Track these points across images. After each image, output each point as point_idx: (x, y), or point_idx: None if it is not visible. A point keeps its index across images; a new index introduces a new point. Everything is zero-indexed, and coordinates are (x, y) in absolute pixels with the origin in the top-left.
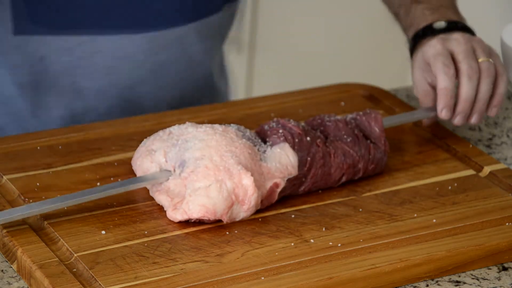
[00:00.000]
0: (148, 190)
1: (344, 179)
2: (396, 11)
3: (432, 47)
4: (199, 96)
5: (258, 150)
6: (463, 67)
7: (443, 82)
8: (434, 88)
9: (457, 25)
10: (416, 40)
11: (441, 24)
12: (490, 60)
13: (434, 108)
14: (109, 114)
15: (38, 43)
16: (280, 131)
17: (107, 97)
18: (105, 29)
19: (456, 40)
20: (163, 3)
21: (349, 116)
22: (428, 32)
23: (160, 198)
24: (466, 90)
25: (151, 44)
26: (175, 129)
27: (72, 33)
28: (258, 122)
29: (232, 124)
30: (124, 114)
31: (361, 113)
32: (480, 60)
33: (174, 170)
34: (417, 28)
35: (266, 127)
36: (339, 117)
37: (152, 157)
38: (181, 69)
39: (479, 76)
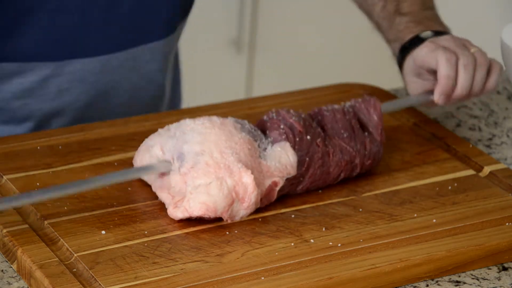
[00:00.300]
0: (148, 190)
1: (342, 175)
2: (378, 22)
3: (424, 47)
4: (153, 109)
5: (258, 146)
6: (460, 57)
7: (445, 69)
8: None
9: (443, 34)
10: (404, 53)
11: (427, 33)
12: (482, 50)
13: (431, 92)
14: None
15: None
16: (282, 126)
17: (58, 119)
18: (55, 57)
19: (446, 40)
20: (116, 27)
21: (348, 104)
22: (416, 41)
23: (162, 195)
24: (463, 79)
25: (104, 66)
26: (173, 125)
27: (22, 60)
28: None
29: (229, 117)
30: (45, 125)
31: (360, 100)
32: (472, 50)
33: (173, 162)
34: (403, 40)
35: (265, 117)
36: (336, 106)
37: (150, 153)
38: (133, 88)
39: (474, 65)
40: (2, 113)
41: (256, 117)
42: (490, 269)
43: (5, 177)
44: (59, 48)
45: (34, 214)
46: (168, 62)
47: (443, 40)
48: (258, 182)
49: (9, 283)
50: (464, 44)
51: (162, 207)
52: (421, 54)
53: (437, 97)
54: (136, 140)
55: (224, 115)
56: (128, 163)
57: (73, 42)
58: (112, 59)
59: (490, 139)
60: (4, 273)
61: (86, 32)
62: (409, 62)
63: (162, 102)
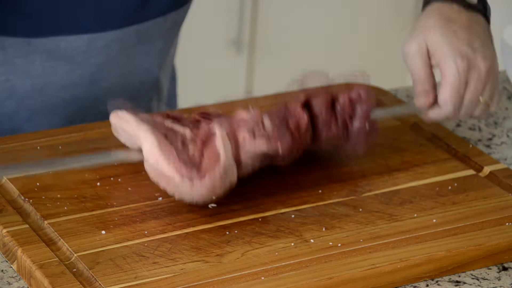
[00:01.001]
0: (148, 190)
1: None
2: None
3: (439, 29)
4: (145, 99)
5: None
6: (470, 80)
7: (453, 77)
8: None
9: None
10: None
11: None
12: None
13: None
14: (45, 112)
15: None
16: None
17: (42, 97)
18: (40, 32)
19: (463, 29)
20: (103, 5)
21: (339, 103)
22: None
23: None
24: (466, 108)
25: (90, 45)
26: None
27: (4, 35)
28: None
29: None
30: (63, 113)
31: (352, 96)
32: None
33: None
34: None
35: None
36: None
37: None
38: (121, 72)
39: (482, 90)
40: None
41: None
42: (490, 269)
43: (5, 177)
44: (42, 24)
45: (34, 214)
46: (160, 52)
47: (461, 30)
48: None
49: (9, 283)
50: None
51: (162, 207)
52: (434, 40)
53: (430, 116)
54: None
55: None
56: (128, 163)
57: (64, 18)
58: (98, 38)
59: (490, 139)
60: (4, 273)
61: (72, 7)
62: (434, 11)
63: (154, 95)
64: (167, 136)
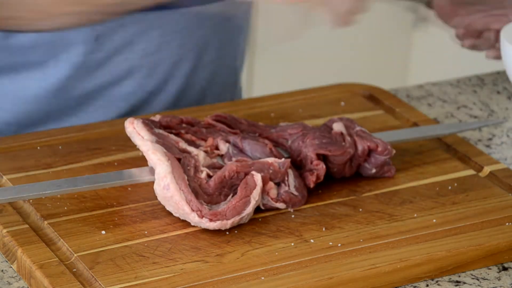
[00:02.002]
0: (148, 190)
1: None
2: None
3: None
4: (233, 78)
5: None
6: None
7: None
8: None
9: None
10: None
11: None
12: None
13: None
14: (157, 93)
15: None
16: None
17: (156, 75)
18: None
19: None
20: None
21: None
22: None
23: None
24: None
25: (198, 16)
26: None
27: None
28: (258, 122)
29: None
30: (170, 91)
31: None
32: None
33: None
34: None
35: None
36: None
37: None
38: (220, 46)
39: None
40: (105, 69)
41: (256, 117)
42: (490, 269)
43: (5, 177)
44: None
45: (34, 214)
46: (243, 33)
47: None
48: None
49: (9, 283)
50: None
51: (162, 207)
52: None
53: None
54: None
55: None
56: (128, 163)
57: None
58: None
59: (490, 139)
60: (4, 273)
61: None
62: None
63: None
64: (180, 160)
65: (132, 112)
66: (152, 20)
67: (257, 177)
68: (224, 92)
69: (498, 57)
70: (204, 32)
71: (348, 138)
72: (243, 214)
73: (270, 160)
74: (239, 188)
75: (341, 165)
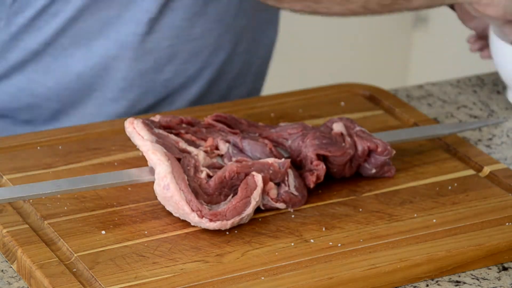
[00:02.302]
0: (148, 190)
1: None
2: None
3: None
4: (263, 68)
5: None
6: None
7: None
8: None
9: None
10: None
11: None
12: None
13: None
14: (195, 79)
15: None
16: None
17: (196, 61)
18: None
19: None
20: None
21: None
22: None
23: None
24: None
25: (239, 7)
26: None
27: None
28: (258, 122)
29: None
30: (207, 78)
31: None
32: None
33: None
34: None
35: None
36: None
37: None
38: (255, 37)
39: None
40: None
41: (256, 117)
42: (490, 269)
43: (5, 177)
44: None
45: (34, 214)
46: (278, 23)
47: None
48: None
49: (9, 283)
50: None
51: (162, 207)
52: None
53: None
54: None
55: None
56: (128, 163)
57: None
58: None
59: (490, 139)
60: (4, 273)
61: None
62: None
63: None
64: (180, 160)
65: (168, 97)
66: (200, 6)
67: (258, 177)
68: (253, 82)
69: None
70: (241, 23)
71: (348, 139)
72: (243, 215)
73: (270, 160)
74: (239, 189)
75: (341, 165)
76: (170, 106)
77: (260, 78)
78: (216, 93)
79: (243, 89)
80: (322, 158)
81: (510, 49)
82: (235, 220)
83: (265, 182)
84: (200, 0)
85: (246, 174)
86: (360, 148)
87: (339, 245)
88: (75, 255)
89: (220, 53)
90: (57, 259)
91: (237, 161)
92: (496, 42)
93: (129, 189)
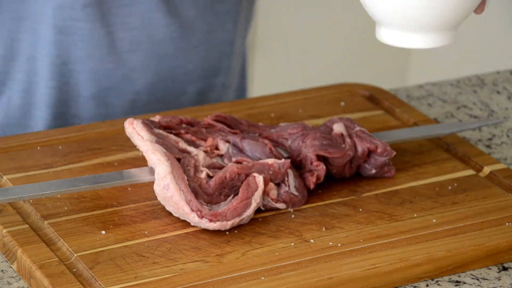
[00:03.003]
0: (148, 190)
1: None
2: None
3: None
4: (224, 65)
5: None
6: None
7: None
8: None
9: None
10: None
11: None
12: None
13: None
14: (141, 70)
15: None
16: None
17: (140, 52)
18: None
19: None
20: None
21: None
22: None
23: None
24: None
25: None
26: None
27: None
28: (258, 122)
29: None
30: (156, 70)
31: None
32: None
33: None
34: None
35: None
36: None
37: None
38: (208, 29)
39: None
40: (85, 40)
41: (256, 117)
42: (490, 269)
43: (5, 177)
44: None
45: (34, 214)
46: (243, 22)
47: None
48: None
49: (9, 283)
50: None
51: (162, 207)
52: None
53: None
54: None
55: None
56: (128, 163)
57: None
58: None
59: (490, 139)
60: (4, 273)
61: None
62: None
63: (229, 63)
64: (180, 160)
65: (111, 91)
66: None
67: (259, 179)
68: (210, 78)
69: None
70: (188, 14)
71: (348, 140)
72: (243, 216)
73: (270, 161)
74: (240, 190)
75: (340, 166)
76: (117, 97)
77: (221, 74)
78: (170, 87)
79: (203, 84)
80: (322, 158)
81: None
82: (235, 221)
83: (265, 183)
84: None
85: (247, 175)
86: (359, 149)
87: (339, 245)
88: (75, 255)
89: (167, 45)
90: (57, 259)
91: (237, 162)
92: None
93: (129, 189)
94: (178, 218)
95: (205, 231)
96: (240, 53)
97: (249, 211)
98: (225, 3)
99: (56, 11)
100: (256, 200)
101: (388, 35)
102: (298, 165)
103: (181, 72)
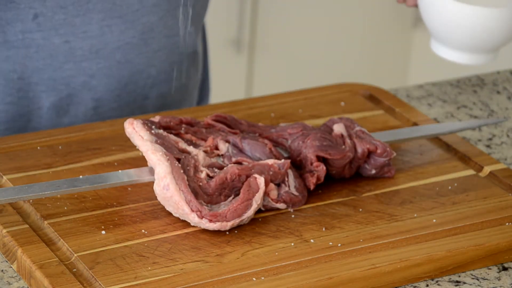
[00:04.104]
0: (148, 190)
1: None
2: None
3: None
4: (185, 65)
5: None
6: None
7: None
8: None
9: None
10: None
11: None
12: None
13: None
14: (101, 76)
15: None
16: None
17: (99, 59)
18: None
19: None
20: None
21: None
22: None
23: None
24: None
25: (141, 3)
26: None
27: None
28: (258, 122)
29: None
30: (117, 76)
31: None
32: None
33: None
34: None
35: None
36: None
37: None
38: (169, 33)
39: None
40: (44, 52)
41: (256, 117)
42: (490, 269)
43: (5, 177)
44: None
45: (34, 214)
46: (200, 20)
47: None
48: None
49: (9, 283)
50: None
51: (162, 207)
52: None
53: None
54: None
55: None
56: (128, 163)
57: None
58: None
59: (490, 139)
60: (4, 273)
61: None
62: None
63: (192, 62)
64: (180, 160)
65: (71, 98)
66: (93, 2)
67: (260, 180)
68: (178, 79)
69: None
70: (149, 19)
71: (348, 141)
72: (243, 217)
73: (270, 161)
74: (241, 191)
75: (340, 167)
76: (78, 105)
77: (185, 77)
78: (132, 93)
79: (166, 87)
80: (322, 159)
81: None
82: (235, 221)
83: (265, 184)
84: None
85: (247, 176)
86: (359, 150)
87: (339, 245)
88: (75, 255)
89: (128, 51)
90: (57, 259)
91: (236, 162)
92: None
93: (129, 189)
94: (178, 218)
95: (205, 231)
96: (201, 52)
97: (250, 212)
98: (184, 6)
99: (6, 27)
100: (257, 202)
101: (441, 50)
102: (298, 165)
103: (143, 77)
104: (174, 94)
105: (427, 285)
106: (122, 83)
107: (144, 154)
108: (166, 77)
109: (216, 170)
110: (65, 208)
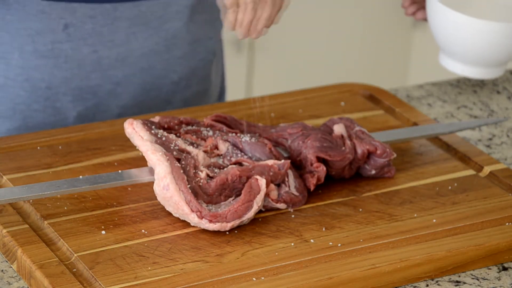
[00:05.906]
0: (148, 190)
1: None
2: None
3: None
4: (206, 70)
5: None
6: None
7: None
8: None
9: None
10: None
11: None
12: None
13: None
14: (126, 84)
15: (63, 9)
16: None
17: (124, 67)
18: None
19: None
20: None
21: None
22: None
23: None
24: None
25: (165, 10)
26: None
27: (96, 1)
28: (258, 122)
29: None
30: (141, 83)
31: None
32: None
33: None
34: None
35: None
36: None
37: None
38: (192, 39)
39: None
40: (73, 60)
41: (256, 117)
42: (490, 269)
43: (5, 177)
44: None
45: (34, 214)
46: (217, 26)
47: None
48: None
49: (9, 283)
50: None
51: (162, 207)
52: None
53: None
54: None
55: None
56: (128, 163)
57: None
58: (172, 3)
59: (490, 139)
60: (4, 273)
61: None
62: None
63: (213, 67)
64: (179, 160)
65: (98, 108)
66: (120, 11)
67: (262, 182)
68: (198, 85)
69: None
70: (173, 25)
71: (348, 142)
72: (243, 218)
73: (270, 162)
74: (243, 192)
75: (340, 168)
76: (103, 114)
77: (206, 81)
78: (156, 98)
79: (188, 92)
80: (322, 160)
81: (445, 11)
82: (235, 222)
83: (266, 185)
84: (120, 6)
85: (248, 177)
86: (359, 151)
87: (339, 245)
88: (75, 255)
89: (151, 57)
90: (57, 259)
91: (236, 162)
92: (432, 5)
93: (129, 189)
94: (178, 218)
95: (205, 231)
96: (220, 56)
97: (250, 214)
98: (204, 13)
99: (36, 37)
100: (257, 203)
101: (449, 63)
102: (298, 165)
103: (165, 82)
104: (196, 99)
105: (427, 285)
106: (145, 89)
107: (144, 154)
108: (188, 82)
109: (216, 170)
110: (65, 208)
